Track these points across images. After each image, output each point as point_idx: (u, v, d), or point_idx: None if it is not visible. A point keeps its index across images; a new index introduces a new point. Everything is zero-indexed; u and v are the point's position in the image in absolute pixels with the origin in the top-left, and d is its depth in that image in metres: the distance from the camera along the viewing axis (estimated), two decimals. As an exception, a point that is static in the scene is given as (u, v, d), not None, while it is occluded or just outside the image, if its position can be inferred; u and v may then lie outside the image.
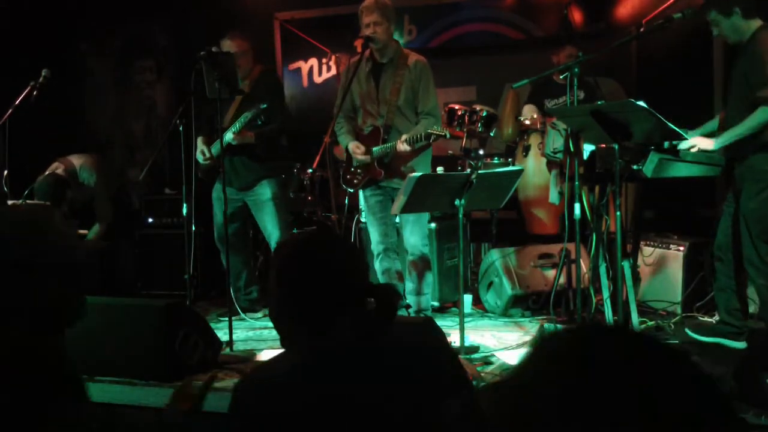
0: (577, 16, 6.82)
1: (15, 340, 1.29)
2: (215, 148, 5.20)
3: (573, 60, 5.73)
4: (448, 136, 4.57)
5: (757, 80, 3.95)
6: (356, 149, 4.85)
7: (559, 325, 4.52)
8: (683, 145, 4.04)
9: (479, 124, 5.63)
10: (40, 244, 1.71)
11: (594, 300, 4.33)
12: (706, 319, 4.83)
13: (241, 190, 5.32)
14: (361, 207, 5.27)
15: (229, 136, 5.05)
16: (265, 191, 5.29)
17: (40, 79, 5.10)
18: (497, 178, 4.35)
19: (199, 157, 5.26)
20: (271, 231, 5.34)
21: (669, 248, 5.26)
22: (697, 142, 4.05)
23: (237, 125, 5.02)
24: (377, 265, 5.01)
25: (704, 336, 4.25)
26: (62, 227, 1.79)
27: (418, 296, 4.91)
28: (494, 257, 5.43)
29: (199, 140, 5.25)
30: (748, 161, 4.03)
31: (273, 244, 5.36)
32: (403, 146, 4.65)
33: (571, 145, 4.18)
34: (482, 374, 3.85)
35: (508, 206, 4.95)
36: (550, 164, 5.21)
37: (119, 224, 5.93)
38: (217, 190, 5.28)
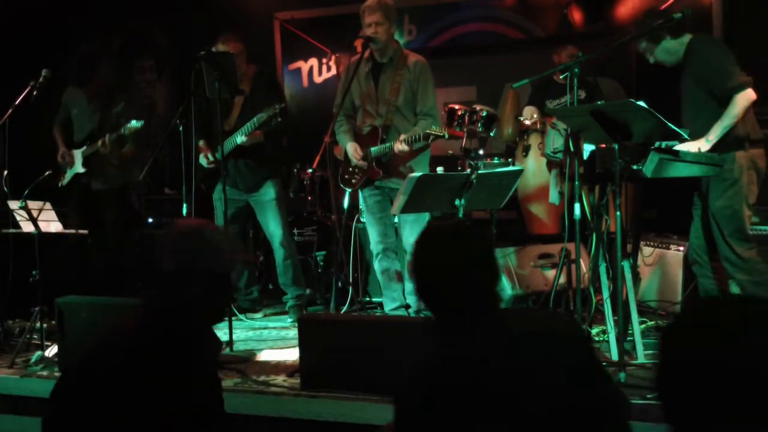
0: (577, 16, 6.82)
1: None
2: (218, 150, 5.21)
3: (574, 59, 5.75)
4: (446, 137, 4.58)
5: (717, 78, 4.02)
6: (355, 153, 4.85)
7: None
8: (678, 148, 4.04)
9: (479, 124, 5.62)
10: (202, 253, 2.04)
11: (594, 300, 4.33)
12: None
13: (246, 191, 5.32)
14: (361, 207, 5.28)
15: (240, 138, 5.05)
16: (269, 191, 5.29)
17: (40, 79, 5.10)
18: (497, 178, 4.35)
19: (203, 162, 5.25)
20: (274, 231, 5.34)
21: (669, 248, 5.26)
22: (690, 147, 4.05)
23: (249, 126, 5.01)
24: (376, 265, 5.02)
25: None
26: (226, 241, 2.14)
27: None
28: (494, 257, 5.42)
29: (201, 144, 5.24)
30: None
31: (276, 244, 5.37)
32: (401, 146, 4.65)
33: (571, 145, 4.18)
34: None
35: (508, 206, 4.95)
36: (550, 164, 5.20)
37: (119, 224, 5.92)
38: (219, 191, 5.28)
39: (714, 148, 4.04)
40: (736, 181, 4.03)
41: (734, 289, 4.37)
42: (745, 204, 4.08)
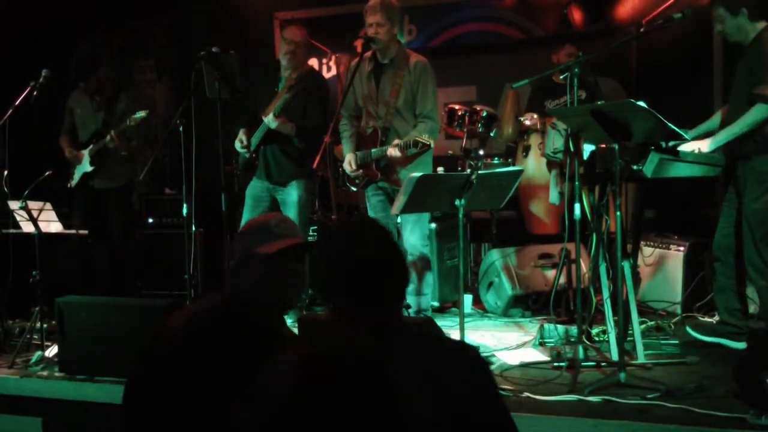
0: (577, 16, 6.82)
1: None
2: (254, 138, 5.25)
3: (572, 59, 5.74)
4: (431, 145, 4.57)
5: (756, 78, 3.97)
6: (348, 165, 4.89)
7: (559, 326, 4.52)
8: (682, 148, 4.03)
9: (479, 124, 5.64)
10: (254, 237, 2.27)
11: (594, 300, 4.33)
12: (706, 319, 4.83)
13: (272, 183, 5.33)
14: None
15: (270, 117, 5.05)
16: (293, 192, 5.29)
17: (40, 79, 5.10)
18: (497, 178, 4.34)
19: (237, 145, 5.29)
20: None
21: (669, 248, 5.26)
22: (693, 146, 4.04)
23: (277, 109, 5.02)
24: (377, 265, 5.01)
25: (705, 335, 4.25)
26: (283, 227, 2.33)
27: (418, 296, 4.90)
28: (494, 257, 5.43)
29: (241, 131, 5.29)
30: (752, 162, 4.03)
31: None
32: (393, 152, 4.65)
33: (571, 145, 4.18)
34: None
35: (508, 206, 4.94)
36: (550, 164, 5.20)
37: (124, 224, 5.92)
38: (252, 186, 5.31)
39: (757, 151, 4.00)
40: None
41: (751, 293, 4.36)
42: None
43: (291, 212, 5.30)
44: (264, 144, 5.24)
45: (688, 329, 4.30)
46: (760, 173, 4.01)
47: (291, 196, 5.30)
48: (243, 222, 5.38)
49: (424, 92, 4.78)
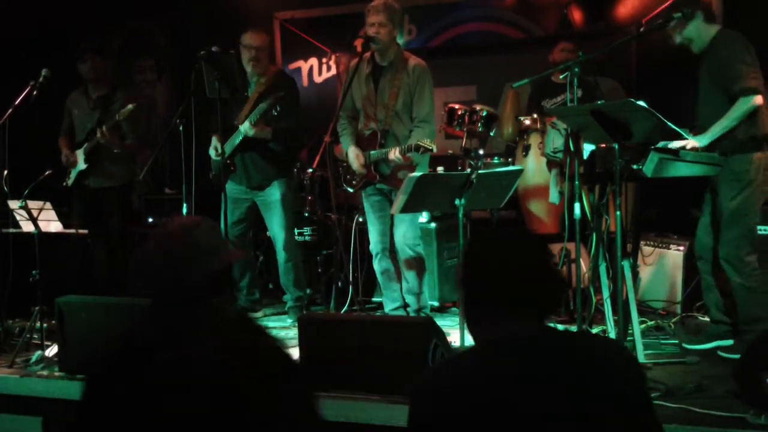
0: (577, 16, 6.82)
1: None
2: (227, 145, 5.21)
3: (566, 53, 5.74)
4: (434, 150, 4.57)
5: (728, 77, 3.99)
6: (356, 160, 4.85)
7: (559, 325, 4.51)
8: (673, 146, 4.03)
9: (479, 124, 5.64)
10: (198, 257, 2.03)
11: (594, 300, 4.33)
12: (705, 318, 4.83)
13: (251, 188, 5.31)
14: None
15: (246, 126, 5.03)
16: (275, 192, 5.28)
17: (40, 79, 5.10)
18: (497, 177, 4.34)
19: (212, 153, 5.26)
20: (277, 233, 5.34)
21: (669, 248, 5.26)
22: (685, 144, 4.05)
23: (253, 117, 5.00)
24: (376, 265, 5.01)
25: (701, 344, 4.24)
26: (218, 239, 2.18)
27: (416, 295, 4.91)
28: (494, 257, 5.41)
29: (214, 138, 5.25)
30: (725, 161, 4.04)
31: (278, 246, 5.36)
32: (393, 156, 4.64)
33: (571, 144, 4.18)
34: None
35: (508, 206, 4.94)
36: (550, 164, 5.20)
37: (122, 224, 5.92)
38: (230, 190, 5.27)
39: (732, 150, 4.01)
40: (750, 183, 4.01)
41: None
42: (757, 206, 4.07)
43: (275, 211, 5.29)
44: (241, 151, 5.21)
45: (685, 345, 4.28)
46: (735, 173, 4.02)
47: (273, 195, 5.29)
48: (221, 225, 5.34)
49: (421, 96, 4.77)
